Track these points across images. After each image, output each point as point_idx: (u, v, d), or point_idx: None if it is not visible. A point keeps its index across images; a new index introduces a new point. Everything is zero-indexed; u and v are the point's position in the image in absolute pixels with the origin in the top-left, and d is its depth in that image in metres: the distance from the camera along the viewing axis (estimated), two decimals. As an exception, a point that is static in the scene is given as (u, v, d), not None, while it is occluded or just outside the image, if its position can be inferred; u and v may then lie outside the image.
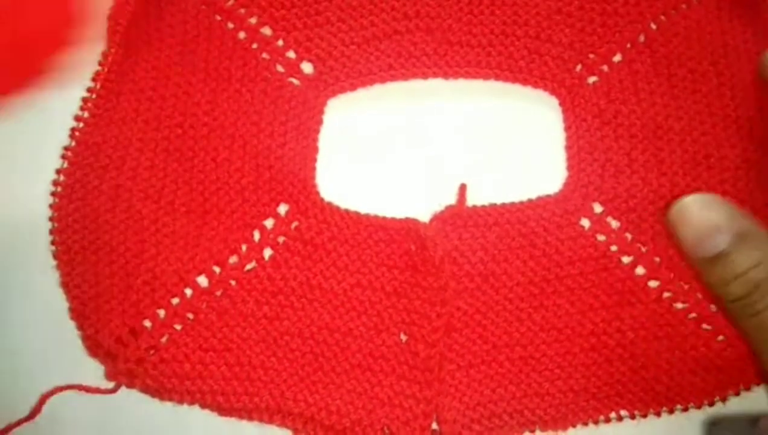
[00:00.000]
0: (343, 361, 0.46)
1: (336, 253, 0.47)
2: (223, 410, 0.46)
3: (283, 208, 0.48)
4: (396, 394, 0.46)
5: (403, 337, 0.46)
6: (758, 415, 0.36)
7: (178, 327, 0.45)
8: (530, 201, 0.47)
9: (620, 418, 0.45)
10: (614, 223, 0.46)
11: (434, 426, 0.46)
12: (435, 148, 0.50)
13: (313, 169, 0.49)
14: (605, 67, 0.47)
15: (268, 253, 0.47)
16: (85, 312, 0.45)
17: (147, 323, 0.45)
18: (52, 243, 0.47)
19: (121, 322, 0.44)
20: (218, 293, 0.46)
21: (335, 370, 0.46)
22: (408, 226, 0.46)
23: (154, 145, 0.48)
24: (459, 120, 0.50)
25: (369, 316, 0.46)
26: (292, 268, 0.46)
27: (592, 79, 0.47)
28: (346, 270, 0.46)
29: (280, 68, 0.50)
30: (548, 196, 0.48)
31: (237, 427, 0.46)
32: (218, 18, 0.50)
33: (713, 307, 0.44)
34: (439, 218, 0.47)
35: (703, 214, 0.40)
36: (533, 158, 0.49)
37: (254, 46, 0.50)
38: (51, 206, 0.48)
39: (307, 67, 0.51)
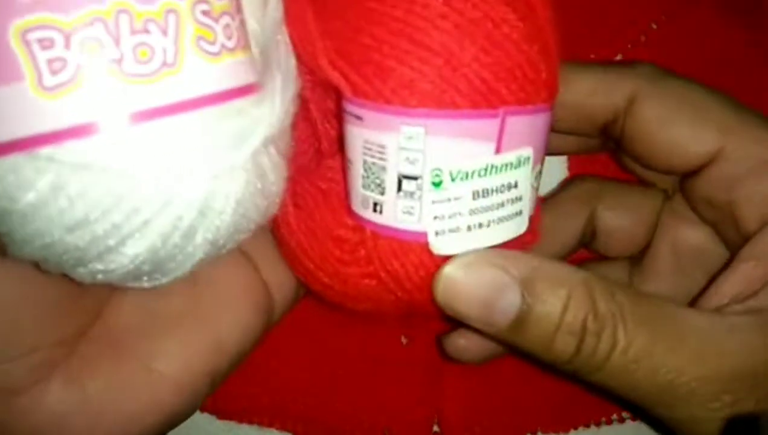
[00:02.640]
0: (344, 365, 0.46)
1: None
2: (223, 413, 0.46)
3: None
4: (397, 397, 0.46)
5: (404, 340, 0.46)
6: (759, 415, 0.36)
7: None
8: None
9: (621, 420, 0.45)
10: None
11: (435, 428, 0.46)
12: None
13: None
14: (606, 68, 0.46)
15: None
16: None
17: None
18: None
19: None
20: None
21: (336, 373, 0.46)
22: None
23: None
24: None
25: (369, 319, 0.46)
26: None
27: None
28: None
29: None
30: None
31: (236, 430, 0.46)
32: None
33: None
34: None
35: (473, 279, 0.29)
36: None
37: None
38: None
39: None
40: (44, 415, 0.30)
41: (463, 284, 0.29)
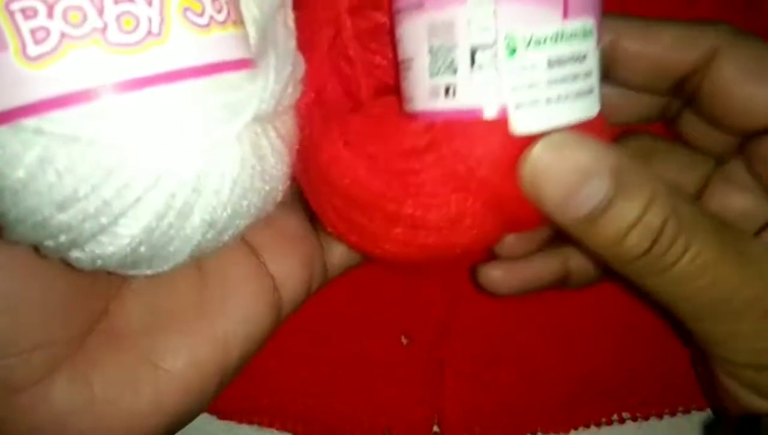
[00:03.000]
0: (344, 365, 0.46)
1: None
2: (223, 413, 0.46)
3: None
4: (397, 397, 0.45)
5: (404, 340, 0.46)
6: (759, 415, 0.36)
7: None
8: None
9: (622, 420, 0.45)
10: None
11: (435, 428, 0.46)
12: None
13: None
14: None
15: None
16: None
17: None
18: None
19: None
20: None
21: (336, 373, 0.46)
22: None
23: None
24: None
25: (369, 320, 0.46)
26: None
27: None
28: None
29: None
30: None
31: (236, 430, 0.46)
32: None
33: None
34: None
35: (563, 160, 0.28)
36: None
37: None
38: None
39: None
40: (46, 414, 0.29)
41: (550, 165, 0.28)
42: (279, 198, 0.30)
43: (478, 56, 0.28)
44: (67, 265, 0.27)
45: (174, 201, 0.25)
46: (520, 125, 0.28)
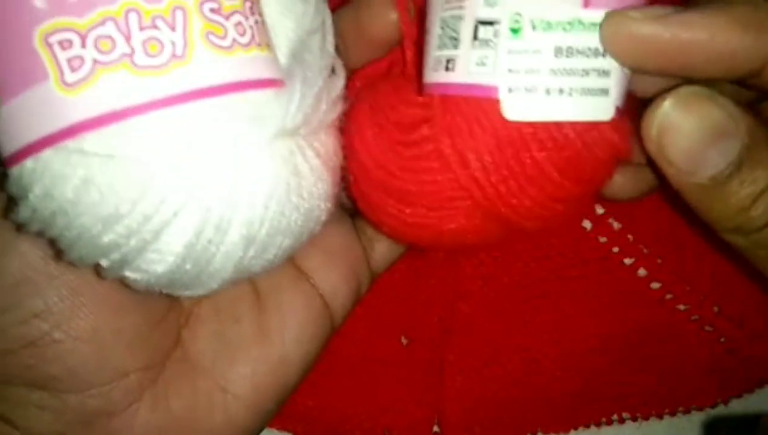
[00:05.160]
0: (344, 365, 0.46)
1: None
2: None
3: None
4: (397, 398, 0.46)
5: (404, 340, 0.46)
6: (759, 415, 0.37)
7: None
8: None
9: (622, 420, 0.45)
10: (616, 225, 0.46)
11: (435, 428, 0.46)
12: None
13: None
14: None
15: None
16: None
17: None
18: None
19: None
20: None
21: (336, 373, 0.46)
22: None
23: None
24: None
25: (370, 320, 0.46)
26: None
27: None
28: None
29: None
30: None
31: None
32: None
33: (715, 309, 0.44)
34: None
35: (695, 116, 0.26)
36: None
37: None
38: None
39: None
40: None
41: (680, 121, 0.26)
42: (323, 217, 0.31)
43: (480, 31, 0.27)
44: (141, 298, 0.30)
45: (210, 215, 0.26)
46: (511, 111, 0.27)
